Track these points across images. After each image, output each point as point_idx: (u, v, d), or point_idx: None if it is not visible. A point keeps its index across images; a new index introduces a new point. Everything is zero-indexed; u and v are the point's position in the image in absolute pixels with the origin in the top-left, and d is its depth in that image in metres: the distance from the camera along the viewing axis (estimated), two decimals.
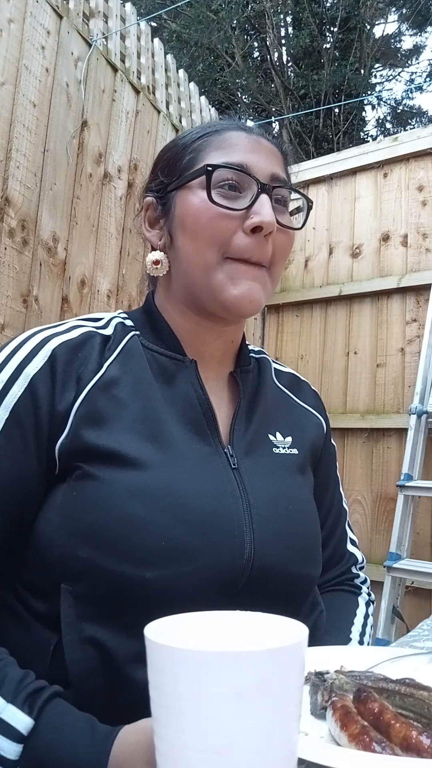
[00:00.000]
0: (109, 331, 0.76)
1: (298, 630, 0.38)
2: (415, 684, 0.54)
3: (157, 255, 0.79)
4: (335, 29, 8.95)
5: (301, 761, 0.44)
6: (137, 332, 0.78)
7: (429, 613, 2.49)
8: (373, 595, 0.95)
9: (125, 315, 0.81)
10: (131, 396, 0.71)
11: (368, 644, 0.87)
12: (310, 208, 0.80)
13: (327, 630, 0.83)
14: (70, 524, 0.65)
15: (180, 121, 2.87)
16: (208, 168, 0.72)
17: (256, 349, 0.92)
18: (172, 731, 0.33)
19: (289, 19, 9.53)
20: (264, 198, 0.72)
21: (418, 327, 2.79)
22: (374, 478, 2.80)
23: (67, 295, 2.14)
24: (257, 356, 0.90)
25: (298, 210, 0.80)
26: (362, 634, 0.87)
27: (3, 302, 1.88)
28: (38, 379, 0.68)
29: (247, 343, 0.88)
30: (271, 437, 0.80)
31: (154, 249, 0.80)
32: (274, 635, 0.39)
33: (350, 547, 0.96)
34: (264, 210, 0.71)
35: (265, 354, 0.92)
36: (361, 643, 0.86)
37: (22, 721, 0.54)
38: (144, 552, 0.63)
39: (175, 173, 0.78)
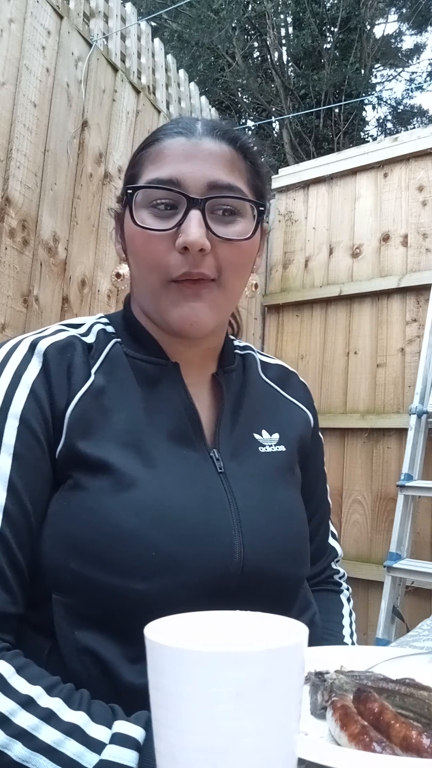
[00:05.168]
0: (91, 339, 0.75)
1: (298, 630, 0.38)
2: (415, 684, 0.55)
3: (123, 269, 0.79)
4: (335, 29, 8.95)
5: (301, 761, 0.44)
6: (119, 339, 0.77)
7: (429, 613, 2.49)
8: (350, 588, 0.98)
9: (106, 320, 0.80)
10: (117, 405, 0.71)
11: (356, 637, 0.91)
12: (261, 213, 0.73)
13: (322, 637, 0.84)
14: (60, 535, 0.65)
15: None
16: (128, 191, 0.71)
17: (242, 344, 0.90)
18: (172, 731, 0.33)
19: (289, 19, 9.52)
20: (192, 214, 0.68)
21: (418, 327, 2.79)
22: (374, 478, 2.80)
23: (67, 295, 2.14)
24: (242, 352, 0.88)
25: (258, 212, 0.73)
26: (351, 634, 0.90)
27: (3, 302, 1.88)
28: (37, 384, 0.68)
29: (232, 338, 0.87)
30: (257, 436, 0.79)
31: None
32: (274, 635, 0.39)
33: (331, 541, 0.97)
34: (190, 228, 0.67)
35: (250, 349, 0.90)
36: (353, 641, 0.88)
37: (137, 730, 0.55)
38: (134, 565, 0.63)
39: (124, 189, 0.76)
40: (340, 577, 0.98)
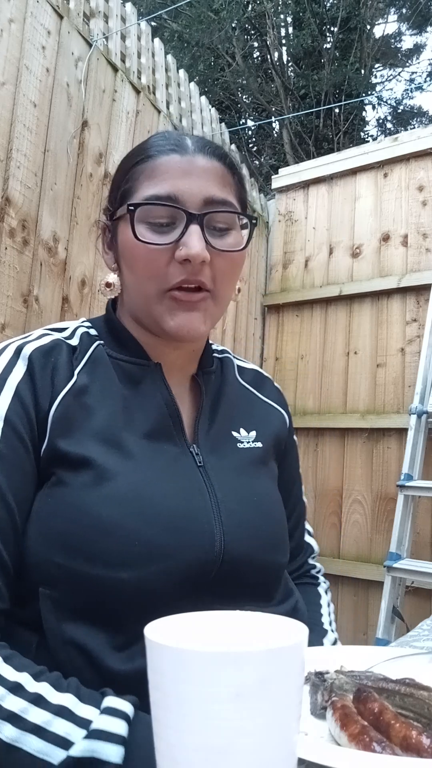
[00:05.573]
0: (75, 342, 0.78)
1: (298, 630, 0.38)
2: (415, 684, 0.55)
3: (112, 278, 0.82)
4: (335, 29, 8.94)
5: (301, 761, 0.44)
6: (101, 342, 0.80)
7: (429, 613, 2.49)
8: (327, 582, 1.02)
9: (89, 324, 0.83)
10: (99, 403, 0.73)
11: (334, 625, 0.94)
12: (253, 225, 0.79)
13: None
14: (45, 532, 0.67)
15: (180, 121, 2.87)
16: (130, 208, 0.73)
17: (220, 348, 0.95)
18: (172, 731, 0.33)
19: (289, 19, 9.52)
20: (192, 229, 0.72)
21: (418, 327, 2.79)
22: (374, 478, 2.80)
23: (67, 295, 2.14)
24: (220, 356, 0.93)
25: (251, 224, 0.79)
26: (330, 622, 0.94)
27: (3, 302, 1.88)
28: (22, 387, 0.70)
29: (210, 342, 0.90)
30: (235, 433, 0.83)
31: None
32: (274, 635, 0.39)
33: (307, 538, 1.02)
34: (191, 242, 0.71)
35: (228, 353, 0.95)
36: (332, 629, 0.92)
37: (125, 705, 0.55)
38: (118, 555, 0.65)
39: (115, 203, 0.80)
40: (317, 572, 1.02)
